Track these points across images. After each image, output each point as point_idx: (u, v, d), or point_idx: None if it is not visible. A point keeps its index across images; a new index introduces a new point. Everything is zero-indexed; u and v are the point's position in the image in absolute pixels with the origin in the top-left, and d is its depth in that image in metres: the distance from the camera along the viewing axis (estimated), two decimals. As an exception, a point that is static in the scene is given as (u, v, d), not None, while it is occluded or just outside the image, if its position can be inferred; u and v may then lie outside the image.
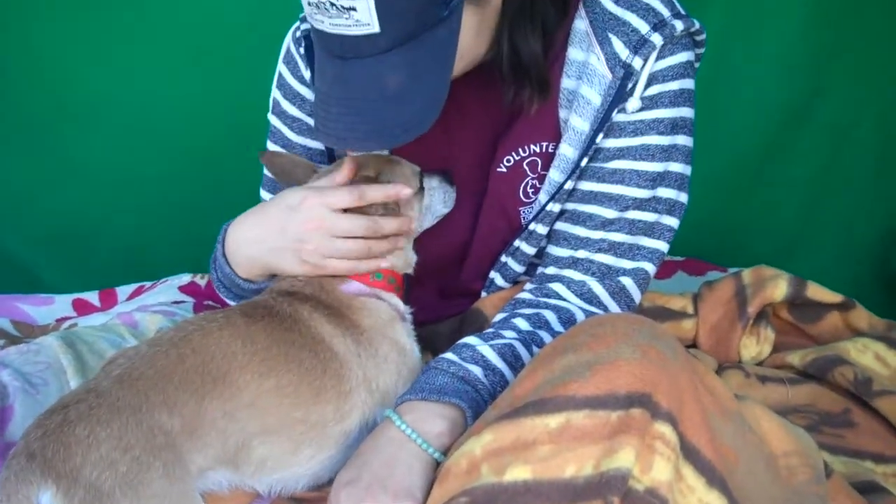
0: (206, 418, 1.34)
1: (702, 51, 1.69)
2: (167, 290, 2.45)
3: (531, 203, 1.76)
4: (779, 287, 1.96)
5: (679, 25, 1.59)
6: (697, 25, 1.62)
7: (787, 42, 2.65)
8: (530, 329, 1.58)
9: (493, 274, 1.81)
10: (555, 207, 1.69)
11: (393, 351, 1.58)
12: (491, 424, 1.26)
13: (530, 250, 1.76)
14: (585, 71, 1.64)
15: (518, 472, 1.19)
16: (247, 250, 1.68)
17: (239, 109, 2.61)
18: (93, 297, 2.60)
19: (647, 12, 1.60)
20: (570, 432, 1.18)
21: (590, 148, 1.63)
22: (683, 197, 1.68)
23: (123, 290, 2.60)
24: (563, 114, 1.68)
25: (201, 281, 2.48)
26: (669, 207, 1.66)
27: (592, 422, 1.18)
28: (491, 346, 1.53)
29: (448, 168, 1.77)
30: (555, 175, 1.69)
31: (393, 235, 1.63)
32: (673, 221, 1.67)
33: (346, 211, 1.58)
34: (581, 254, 1.66)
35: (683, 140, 1.65)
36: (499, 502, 1.19)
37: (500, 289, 1.82)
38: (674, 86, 1.62)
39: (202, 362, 1.38)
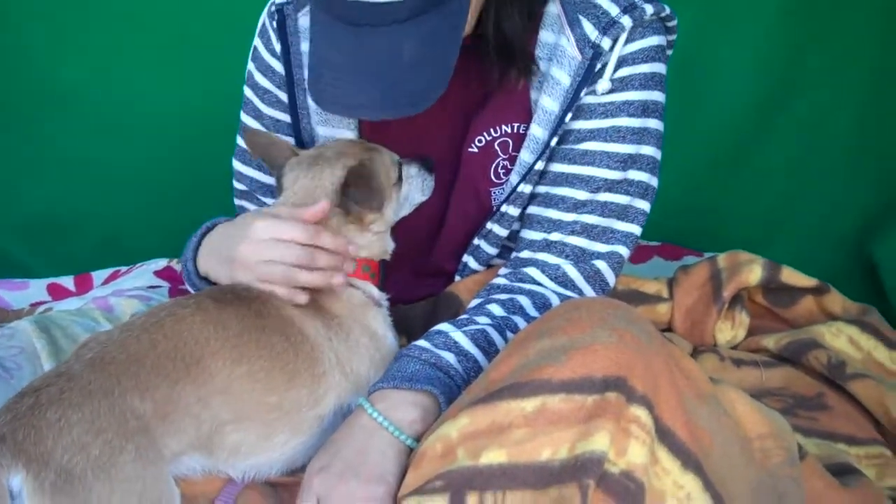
0: (179, 404, 1.33)
1: (673, 37, 1.71)
2: (143, 275, 2.44)
3: (502, 184, 1.76)
4: (753, 271, 1.97)
5: (649, 9, 1.61)
6: (668, 10, 1.64)
7: (764, 31, 2.66)
8: (504, 314, 1.58)
9: (466, 257, 1.81)
10: (526, 189, 1.69)
11: (364, 336, 1.58)
12: (466, 408, 1.26)
13: (502, 232, 1.76)
14: (556, 53, 1.65)
15: (494, 456, 1.20)
16: (205, 253, 1.69)
17: (216, 99, 2.59)
18: (68, 281, 2.59)
19: None
20: (545, 416, 1.19)
21: (559, 128, 1.64)
22: (654, 181, 1.68)
23: (99, 275, 2.60)
24: (534, 95, 1.70)
25: (177, 266, 2.47)
26: (642, 191, 1.66)
27: (568, 406, 1.18)
28: (464, 332, 1.53)
29: (426, 155, 1.76)
30: (525, 156, 1.70)
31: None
32: (645, 205, 1.68)
33: None
34: (554, 236, 1.66)
35: (654, 124, 1.66)
36: (474, 485, 1.20)
37: (474, 272, 1.82)
38: (644, 68, 1.64)
39: (174, 347, 1.37)
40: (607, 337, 1.21)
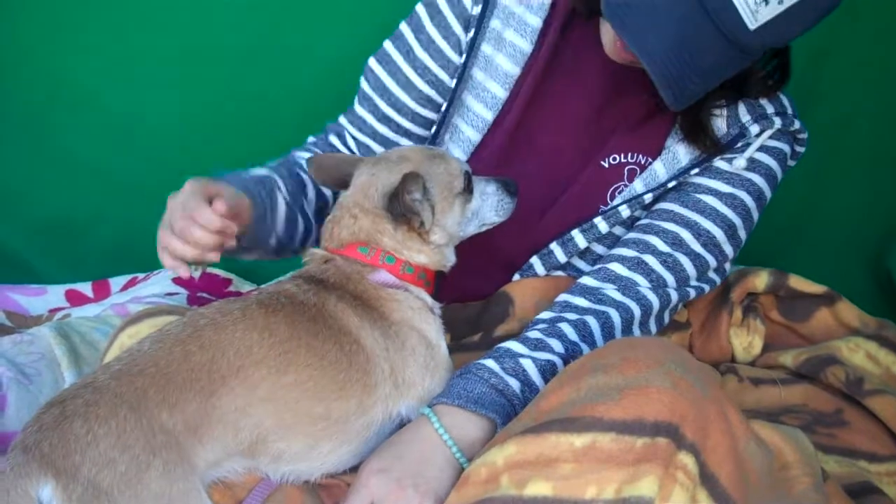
0: (213, 415, 1.33)
1: (793, 164, 1.88)
2: (160, 282, 2.45)
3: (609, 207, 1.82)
4: (760, 277, 2.02)
5: (797, 124, 1.81)
6: (806, 135, 1.83)
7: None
8: (575, 341, 1.59)
9: (533, 259, 1.84)
10: (625, 212, 1.78)
11: (421, 344, 1.56)
12: (515, 437, 1.26)
13: (583, 243, 1.81)
14: None
15: (539, 488, 1.20)
16: None
17: (232, 105, 2.61)
18: (86, 287, 2.60)
19: (776, 101, 1.81)
20: (594, 453, 1.19)
21: (681, 175, 1.76)
22: (729, 266, 1.82)
23: (116, 282, 2.60)
24: (669, 141, 1.81)
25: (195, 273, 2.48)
26: (719, 264, 1.78)
27: (618, 446, 1.18)
28: (534, 360, 1.53)
29: (511, 178, 1.77)
30: (638, 186, 1.80)
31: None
32: (717, 278, 1.81)
33: None
34: (647, 258, 1.73)
35: (756, 215, 1.80)
36: None
37: (535, 275, 1.84)
38: (772, 164, 1.80)
39: (210, 359, 1.35)
40: (662, 381, 1.21)
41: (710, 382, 1.27)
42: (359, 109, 2.01)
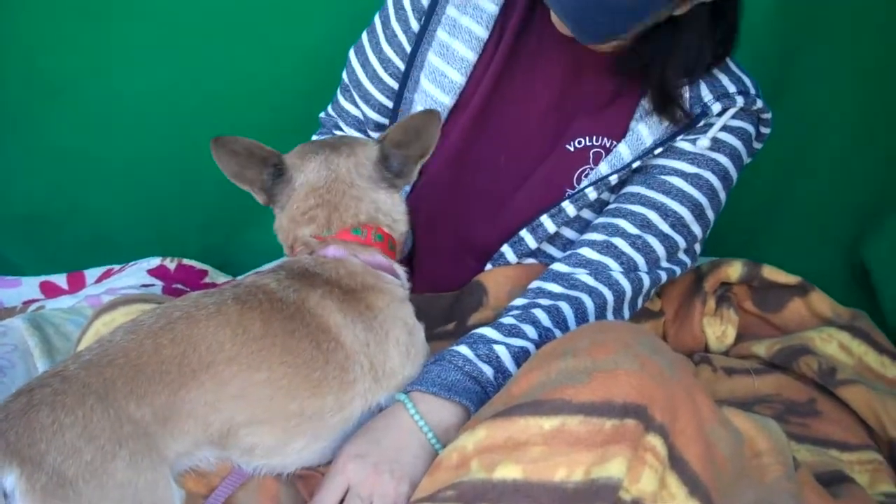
0: (182, 409, 1.31)
1: (759, 146, 1.89)
2: (136, 274, 2.44)
3: (577, 190, 1.83)
4: (733, 266, 2.03)
5: (759, 103, 1.80)
6: (769, 116, 1.84)
7: (756, 28, 2.64)
8: (548, 327, 1.60)
9: (504, 248, 1.84)
10: (592, 194, 1.78)
11: (404, 332, 1.54)
12: (485, 421, 1.27)
13: (552, 228, 1.81)
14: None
15: (508, 471, 1.21)
16: None
17: (211, 95, 2.60)
18: (61, 279, 2.58)
19: (738, 80, 1.82)
20: (563, 436, 1.19)
21: (645, 156, 1.76)
22: (699, 247, 1.83)
23: (92, 273, 2.59)
24: (633, 124, 1.81)
25: (170, 264, 2.47)
26: (689, 245, 1.79)
27: (587, 428, 1.19)
28: (507, 347, 1.54)
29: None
30: (604, 168, 1.80)
31: None
32: (688, 260, 1.81)
33: None
34: (616, 241, 1.73)
35: (723, 195, 1.81)
36: (486, 499, 1.20)
37: (507, 263, 1.85)
38: (736, 144, 1.80)
39: (181, 353, 1.34)
40: (630, 364, 1.22)
41: (679, 366, 1.28)
42: (341, 100, 2.06)
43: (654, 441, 1.19)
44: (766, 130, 1.86)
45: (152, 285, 2.35)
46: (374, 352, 1.48)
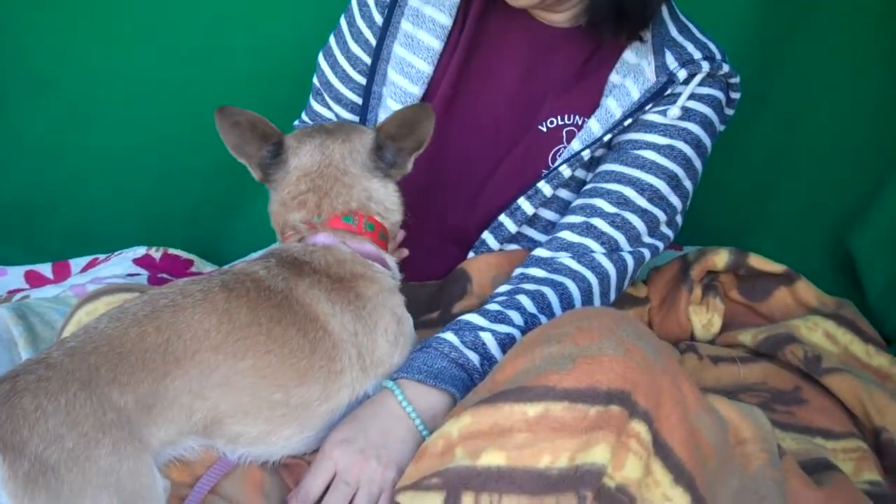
0: (165, 396, 1.31)
1: (731, 112, 1.88)
2: (121, 263, 2.42)
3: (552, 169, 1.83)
4: (720, 255, 2.02)
5: (725, 67, 1.80)
6: (737, 80, 1.83)
7: (742, 22, 2.65)
8: (534, 313, 1.60)
9: (485, 234, 1.85)
10: (566, 172, 1.78)
11: (392, 322, 1.54)
12: (470, 408, 1.27)
13: (529, 210, 1.81)
14: (633, 71, 1.81)
15: (493, 458, 1.21)
16: None
17: (192, 86, 2.59)
18: (45, 269, 2.57)
19: (703, 47, 1.81)
20: (547, 422, 1.20)
21: (615, 129, 1.76)
22: (680, 219, 1.82)
23: (77, 263, 2.58)
24: (602, 100, 1.82)
25: (156, 254, 2.46)
26: (670, 218, 1.78)
27: (571, 414, 1.19)
28: (493, 333, 1.54)
29: None
30: (576, 144, 1.80)
31: None
32: (670, 233, 1.81)
33: None
34: (595, 221, 1.73)
35: (698, 164, 1.80)
36: (471, 486, 1.20)
37: (490, 250, 1.85)
38: (707, 111, 1.79)
39: (166, 341, 1.33)
40: (615, 350, 1.22)
41: (663, 352, 1.28)
42: (313, 104, 2.07)
43: (639, 427, 1.19)
44: (735, 95, 1.85)
45: (138, 275, 2.34)
46: (363, 341, 1.48)
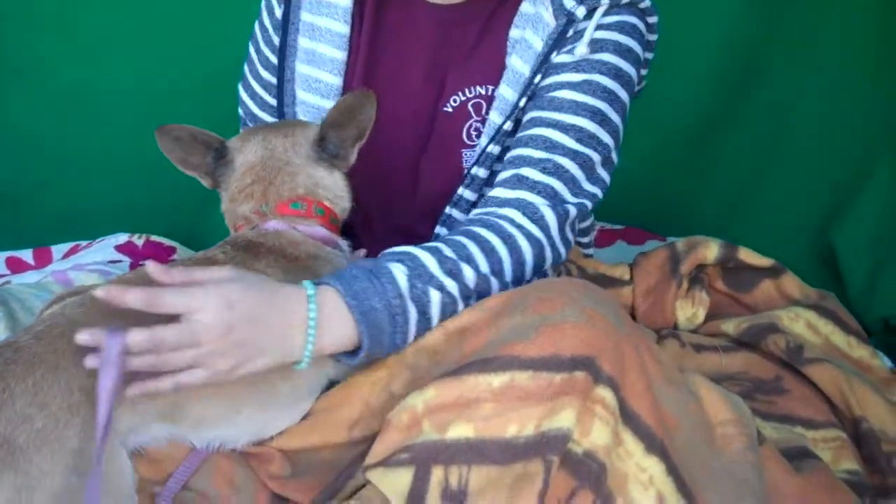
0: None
1: (654, 37, 1.75)
2: (103, 250, 2.42)
3: (474, 146, 1.77)
4: (710, 248, 1.99)
5: None
6: (648, 3, 1.69)
7: (729, 17, 2.66)
8: (486, 274, 1.46)
9: (439, 228, 1.79)
10: (494, 150, 1.70)
11: None
12: (434, 381, 1.27)
13: (472, 196, 1.74)
14: (533, 21, 1.69)
15: (460, 430, 1.21)
16: None
17: (176, 75, 2.59)
18: (27, 255, 2.56)
19: None
20: (513, 392, 1.20)
21: (528, 90, 1.66)
22: (616, 156, 1.68)
23: (59, 249, 2.57)
24: (507, 60, 1.72)
25: (138, 241, 2.45)
26: (605, 158, 1.65)
27: (536, 383, 1.19)
28: (441, 291, 1.40)
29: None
30: (495, 117, 1.71)
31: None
32: (607, 177, 1.66)
33: None
34: (525, 171, 1.60)
35: (624, 95, 1.67)
36: (440, 459, 1.20)
37: None
38: (619, 37, 1.65)
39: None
40: (577, 317, 1.22)
41: (625, 320, 1.29)
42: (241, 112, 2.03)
43: (604, 393, 1.20)
44: (653, 20, 1.74)
45: (120, 261, 2.33)
46: None
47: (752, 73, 2.69)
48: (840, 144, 2.64)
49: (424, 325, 1.40)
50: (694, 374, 1.39)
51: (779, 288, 2.02)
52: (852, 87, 2.60)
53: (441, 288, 1.40)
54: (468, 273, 1.44)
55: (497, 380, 1.20)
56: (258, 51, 1.92)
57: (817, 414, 1.72)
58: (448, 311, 1.41)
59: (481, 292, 1.46)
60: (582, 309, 1.23)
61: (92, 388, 1.24)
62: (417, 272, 1.40)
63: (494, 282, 1.47)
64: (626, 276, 2.04)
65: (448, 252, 1.45)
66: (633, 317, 2.01)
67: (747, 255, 2.01)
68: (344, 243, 1.64)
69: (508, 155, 1.66)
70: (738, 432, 1.36)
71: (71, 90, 2.70)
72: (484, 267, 1.46)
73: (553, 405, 1.18)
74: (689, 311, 1.98)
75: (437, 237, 1.75)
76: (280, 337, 1.29)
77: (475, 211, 1.62)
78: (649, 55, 1.77)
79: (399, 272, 1.39)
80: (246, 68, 1.97)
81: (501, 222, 1.53)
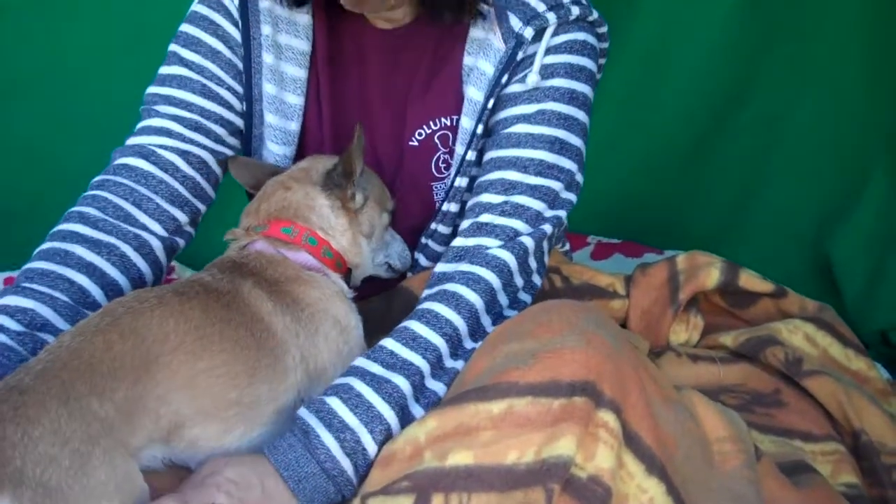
0: (140, 402, 1.32)
1: (605, 45, 1.74)
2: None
3: (444, 179, 1.78)
4: (711, 275, 1.92)
5: (575, 10, 1.65)
6: (596, 15, 1.68)
7: (722, 27, 2.68)
8: (421, 370, 1.46)
9: (416, 255, 1.81)
10: (462, 182, 1.70)
11: (334, 329, 1.56)
12: (434, 411, 1.27)
13: (446, 230, 1.76)
14: (483, 47, 1.69)
15: (460, 457, 1.21)
16: None
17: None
18: (24, 275, 2.55)
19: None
20: (512, 418, 1.20)
21: (483, 117, 1.66)
22: (580, 176, 1.68)
23: (56, 269, 2.55)
24: (464, 89, 1.73)
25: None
26: (568, 182, 1.65)
27: (535, 409, 1.20)
28: (370, 431, 1.39)
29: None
30: (459, 149, 1.72)
31: None
32: (572, 198, 1.67)
33: None
34: (484, 218, 1.62)
35: (582, 116, 1.67)
36: (440, 487, 1.21)
37: (426, 268, 1.81)
38: (570, 58, 1.67)
39: (132, 347, 1.34)
40: (576, 342, 1.23)
41: (623, 340, 1.29)
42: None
43: (607, 417, 1.20)
44: (602, 30, 1.73)
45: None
46: (305, 344, 1.51)
47: (745, 86, 2.71)
48: (835, 155, 2.65)
49: (367, 468, 1.37)
50: (690, 392, 1.39)
51: (778, 306, 1.99)
52: (846, 99, 2.61)
53: (369, 427, 1.39)
54: (401, 383, 1.43)
55: (496, 407, 1.21)
56: (192, 65, 1.80)
57: (816, 427, 1.71)
58: (406, 420, 1.40)
59: (439, 377, 1.46)
60: (581, 333, 1.24)
61: (105, 415, 1.26)
62: (338, 427, 1.38)
63: (453, 363, 1.47)
64: (620, 289, 1.97)
65: (378, 370, 1.44)
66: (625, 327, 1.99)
67: (748, 281, 1.94)
68: (335, 276, 1.63)
69: (469, 202, 1.67)
70: (735, 449, 1.36)
71: (66, 109, 2.71)
72: (420, 363, 1.45)
73: (553, 431, 1.18)
74: (683, 335, 1.94)
75: (417, 264, 1.79)
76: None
77: (438, 266, 1.63)
78: (603, 60, 1.77)
79: (325, 436, 1.37)
80: (173, 76, 1.84)
81: (455, 286, 1.53)
